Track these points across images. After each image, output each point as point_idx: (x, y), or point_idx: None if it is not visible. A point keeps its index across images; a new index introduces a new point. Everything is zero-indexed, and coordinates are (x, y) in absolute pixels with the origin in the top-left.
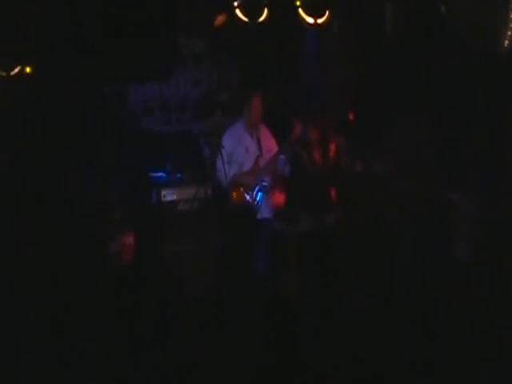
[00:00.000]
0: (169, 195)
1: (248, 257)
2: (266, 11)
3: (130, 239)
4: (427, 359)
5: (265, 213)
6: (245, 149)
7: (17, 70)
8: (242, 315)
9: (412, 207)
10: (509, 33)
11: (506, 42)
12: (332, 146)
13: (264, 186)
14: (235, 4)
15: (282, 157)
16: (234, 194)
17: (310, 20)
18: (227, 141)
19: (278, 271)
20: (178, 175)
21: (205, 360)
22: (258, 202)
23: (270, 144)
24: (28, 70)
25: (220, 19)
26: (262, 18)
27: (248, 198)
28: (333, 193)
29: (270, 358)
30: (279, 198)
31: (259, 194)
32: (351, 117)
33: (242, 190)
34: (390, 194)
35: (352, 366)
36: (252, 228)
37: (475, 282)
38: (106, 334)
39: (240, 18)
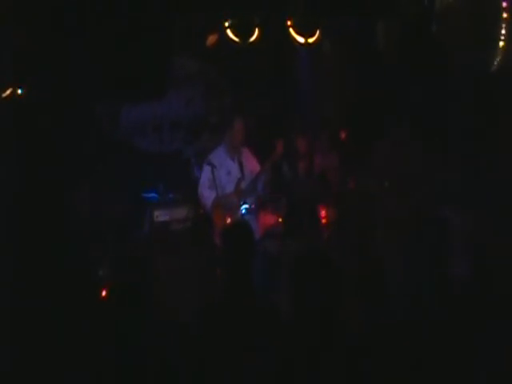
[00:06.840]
0: (161, 216)
1: (248, 274)
2: (256, 31)
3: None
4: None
5: None
6: (227, 172)
7: (8, 91)
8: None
9: (405, 226)
10: (499, 48)
11: (498, 57)
12: (322, 164)
13: (249, 207)
14: (226, 24)
15: (262, 177)
16: (216, 217)
17: (301, 39)
18: (210, 164)
19: (272, 290)
20: (170, 195)
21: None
22: None
23: (253, 166)
24: (19, 91)
25: (211, 39)
26: (253, 38)
27: (229, 220)
28: (323, 211)
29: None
30: (266, 218)
31: (241, 215)
32: (343, 135)
33: (223, 212)
34: (382, 212)
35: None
36: (250, 244)
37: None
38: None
39: (231, 39)
